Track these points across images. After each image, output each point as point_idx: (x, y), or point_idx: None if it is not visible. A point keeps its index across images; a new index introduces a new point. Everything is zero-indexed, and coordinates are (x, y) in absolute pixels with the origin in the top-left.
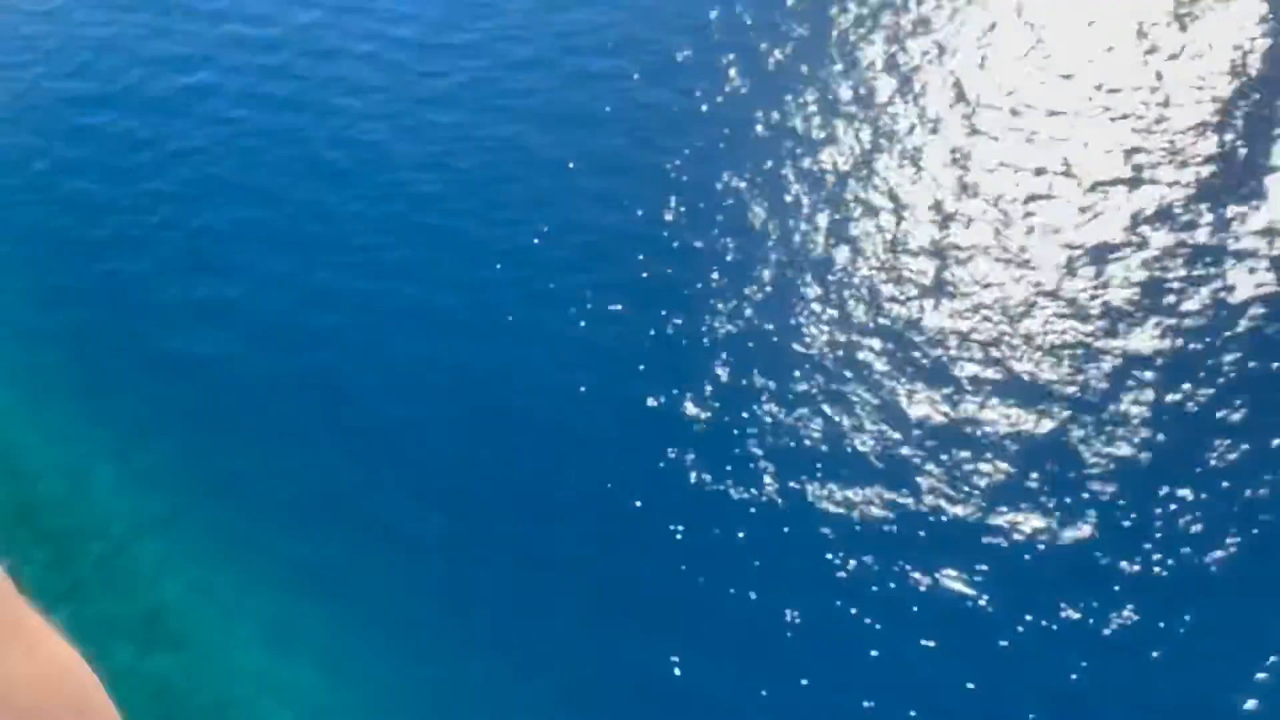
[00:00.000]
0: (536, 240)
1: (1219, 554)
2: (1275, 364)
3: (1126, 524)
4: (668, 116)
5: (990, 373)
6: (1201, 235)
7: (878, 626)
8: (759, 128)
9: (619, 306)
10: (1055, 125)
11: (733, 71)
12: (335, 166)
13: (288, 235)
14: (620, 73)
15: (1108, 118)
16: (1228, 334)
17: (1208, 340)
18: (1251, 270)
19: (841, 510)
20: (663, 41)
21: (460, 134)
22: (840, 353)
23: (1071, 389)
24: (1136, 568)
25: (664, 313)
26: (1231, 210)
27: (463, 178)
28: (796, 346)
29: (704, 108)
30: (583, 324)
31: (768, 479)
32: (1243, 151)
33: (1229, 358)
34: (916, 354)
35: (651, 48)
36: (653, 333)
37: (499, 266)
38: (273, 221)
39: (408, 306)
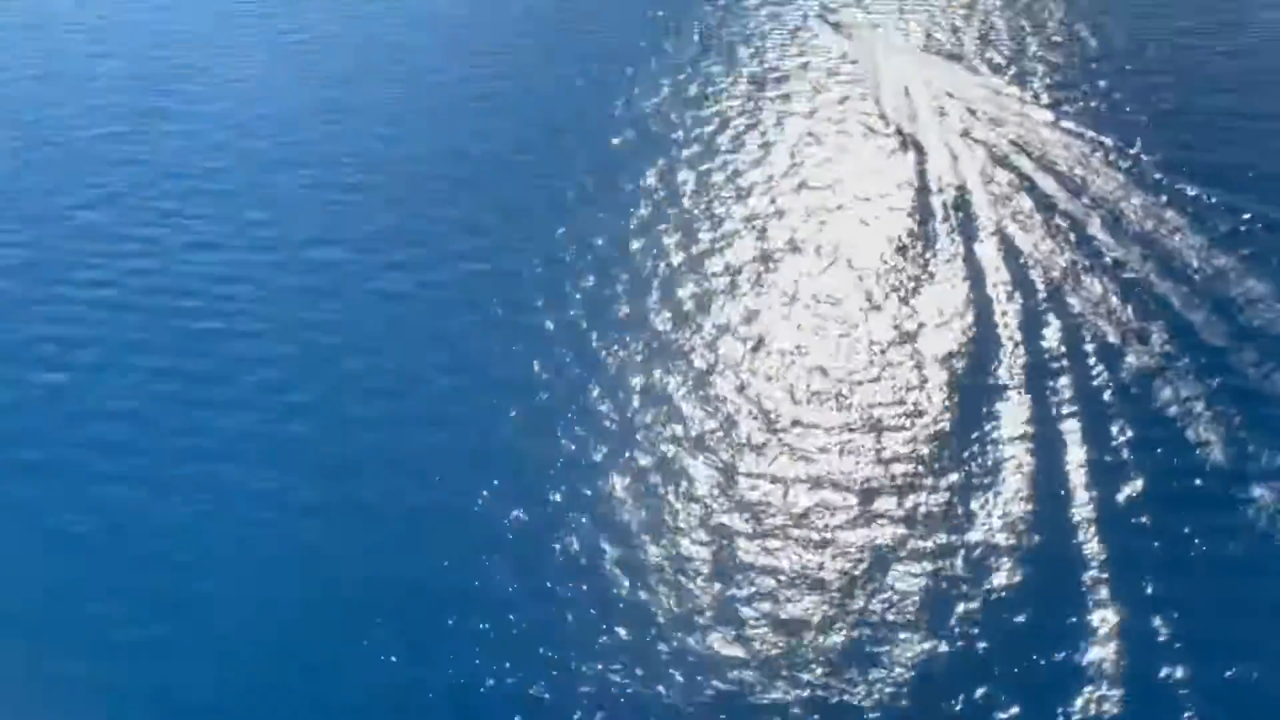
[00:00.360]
0: (302, 605)
1: None
2: (1045, 655)
3: None
4: (443, 459)
5: (789, 694)
6: (964, 532)
7: None
8: (534, 467)
9: (395, 658)
10: (816, 438)
11: (511, 411)
12: (81, 536)
13: (23, 618)
14: (392, 416)
15: (863, 428)
16: (1000, 628)
17: (984, 635)
18: (1001, 567)
19: None
20: (434, 382)
21: (224, 491)
22: (631, 693)
23: (869, 702)
24: None
25: (450, 671)
26: (980, 507)
27: (222, 542)
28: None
29: (476, 448)
30: (361, 694)
31: None
32: (974, 460)
33: (1004, 653)
34: (712, 688)
35: (423, 389)
36: (439, 688)
37: (260, 638)
38: (5, 603)
39: (153, 697)
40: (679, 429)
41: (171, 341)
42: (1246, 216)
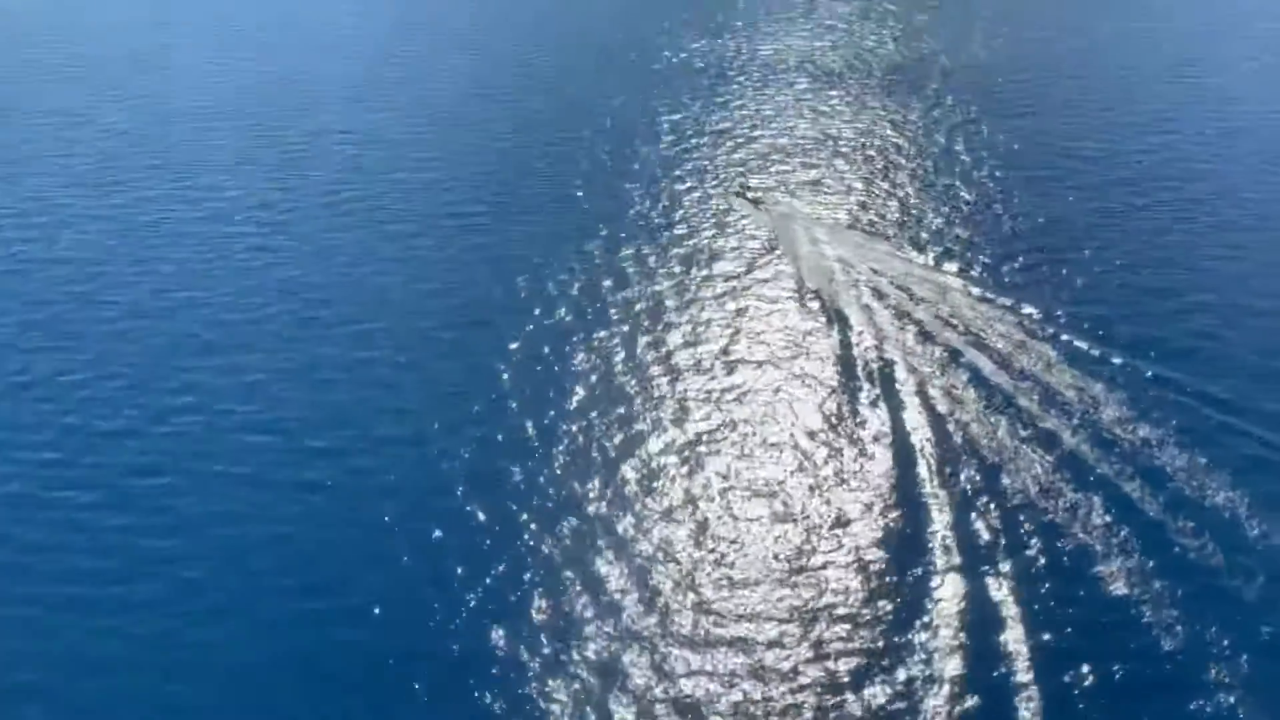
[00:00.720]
0: None
1: None
2: None
3: None
4: (365, 663)
5: None
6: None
7: None
8: (462, 669)
9: None
10: (757, 629)
11: (437, 609)
12: None
13: None
14: (311, 616)
15: (805, 617)
16: None
17: None
18: None
19: None
20: (357, 579)
21: (127, 708)
22: None
23: None
24: None
25: None
26: (925, 702)
27: None
28: None
29: (400, 650)
30: None
31: None
32: (917, 650)
33: None
34: None
35: (345, 587)
36: None
37: None
38: None
39: None
40: (614, 623)
41: (77, 540)
42: (1175, 389)
